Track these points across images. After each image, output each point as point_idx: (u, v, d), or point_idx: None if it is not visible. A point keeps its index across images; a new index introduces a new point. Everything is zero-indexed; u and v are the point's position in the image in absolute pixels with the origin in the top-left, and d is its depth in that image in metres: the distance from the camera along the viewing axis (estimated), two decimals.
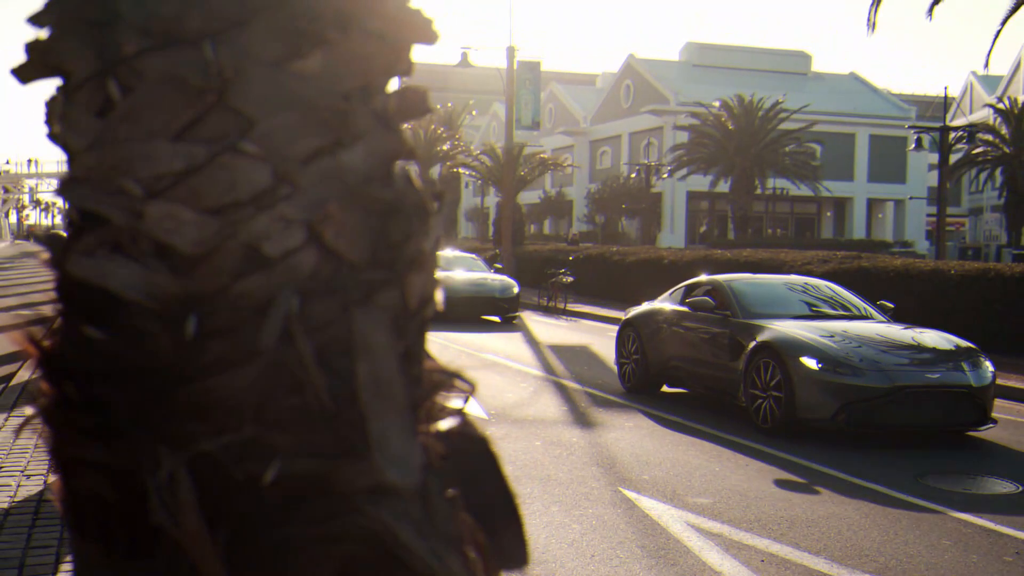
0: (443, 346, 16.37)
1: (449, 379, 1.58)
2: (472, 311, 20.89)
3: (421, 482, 1.44)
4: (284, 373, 1.34)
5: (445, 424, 1.53)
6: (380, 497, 1.37)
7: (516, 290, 21.72)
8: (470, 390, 1.59)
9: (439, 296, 1.55)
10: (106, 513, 1.40)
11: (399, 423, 1.38)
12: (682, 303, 11.54)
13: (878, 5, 18.05)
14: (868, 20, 18.11)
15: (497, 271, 23.78)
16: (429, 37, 1.59)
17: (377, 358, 1.38)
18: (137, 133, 1.33)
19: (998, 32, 18.33)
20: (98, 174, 1.33)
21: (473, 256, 25.25)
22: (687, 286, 11.93)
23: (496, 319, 21.59)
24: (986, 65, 18.97)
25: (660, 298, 12.31)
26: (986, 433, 9.52)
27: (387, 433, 1.36)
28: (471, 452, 1.55)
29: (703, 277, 12.03)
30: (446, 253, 24.75)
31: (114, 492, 1.36)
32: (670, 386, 11.65)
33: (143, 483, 1.33)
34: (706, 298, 10.98)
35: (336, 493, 1.36)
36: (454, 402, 1.57)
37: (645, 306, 12.37)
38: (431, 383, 1.53)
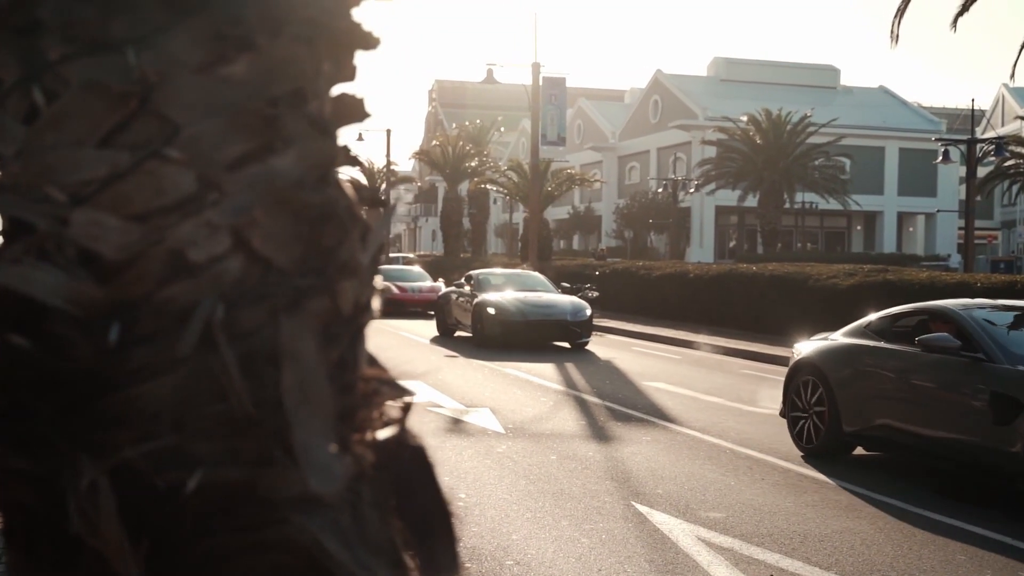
0: (467, 363, 16.34)
1: (387, 388, 1.57)
2: (539, 337, 18.49)
3: (353, 491, 1.43)
4: (208, 380, 1.33)
5: (381, 433, 1.52)
6: (307, 506, 1.36)
7: (589, 312, 18.98)
8: (409, 399, 1.58)
9: (376, 304, 1.54)
10: (31, 522, 1.39)
11: (324, 431, 1.36)
12: (894, 339, 8.61)
13: (900, 17, 17.98)
14: (891, 32, 18.05)
15: (564, 290, 21.51)
16: (369, 44, 1.58)
17: (303, 365, 1.37)
18: (63, 140, 1.33)
19: None
20: (25, 181, 1.33)
21: (536, 273, 22.99)
22: (892, 316, 9.03)
23: (566, 345, 18.90)
24: (1012, 76, 18.85)
25: (848, 329, 9.31)
26: None
27: (311, 441, 1.34)
28: (407, 461, 1.53)
29: (920, 304, 9.20)
30: (504, 271, 23.61)
31: (38, 501, 1.36)
32: (871, 450, 8.76)
33: (65, 492, 1.32)
34: (944, 335, 7.83)
35: (262, 502, 1.35)
36: (392, 411, 1.56)
37: (828, 340, 9.37)
38: (366, 391, 1.51)
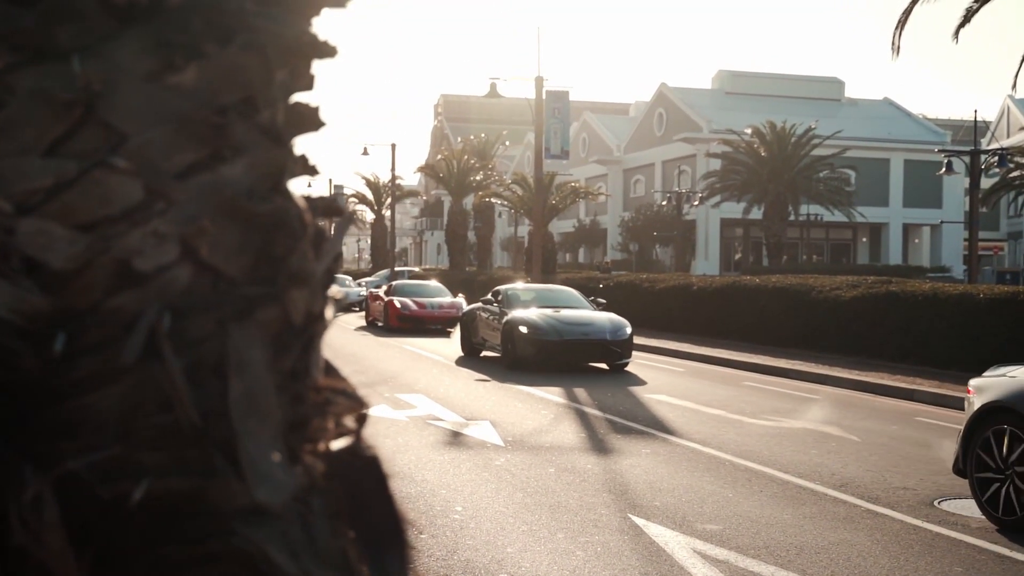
0: (467, 376, 16.33)
1: (342, 398, 1.56)
2: (576, 358, 17.05)
3: (303, 502, 1.41)
4: (154, 390, 1.32)
5: (335, 443, 1.51)
6: (254, 518, 1.35)
7: (629, 330, 17.34)
8: (364, 409, 1.57)
9: (330, 313, 1.53)
10: None
11: (273, 442, 1.35)
12: None
13: (901, 29, 17.98)
14: (892, 44, 18.04)
15: (599, 306, 19.26)
16: (326, 53, 1.58)
17: (252, 375, 1.36)
18: (8, 149, 1.32)
19: None
20: None
21: (568, 288, 21.18)
22: None
23: (603, 366, 17.37)
24: (1013, 87, 18.82)
25: None
26: None
27: (259, 452, 1.33)
28: (360, 472, 1.52)
29: None
30: (534, 286, 22.31)
31: None
32: None
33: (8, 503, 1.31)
34: None
35: (209, 513, 1.33)
36: (347, 421, 1.55)
37: (1019, 377, 7.22)
38: (320, 401, 1.50)
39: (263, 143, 1.40)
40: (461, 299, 27.82)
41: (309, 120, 1.52)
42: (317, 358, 1.46)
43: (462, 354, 19.75)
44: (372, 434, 1.42)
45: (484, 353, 19.35)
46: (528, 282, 32.81)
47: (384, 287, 29.91)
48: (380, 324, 27.81)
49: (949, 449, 7.98)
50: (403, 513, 1.46)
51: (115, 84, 1.29)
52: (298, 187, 1.43)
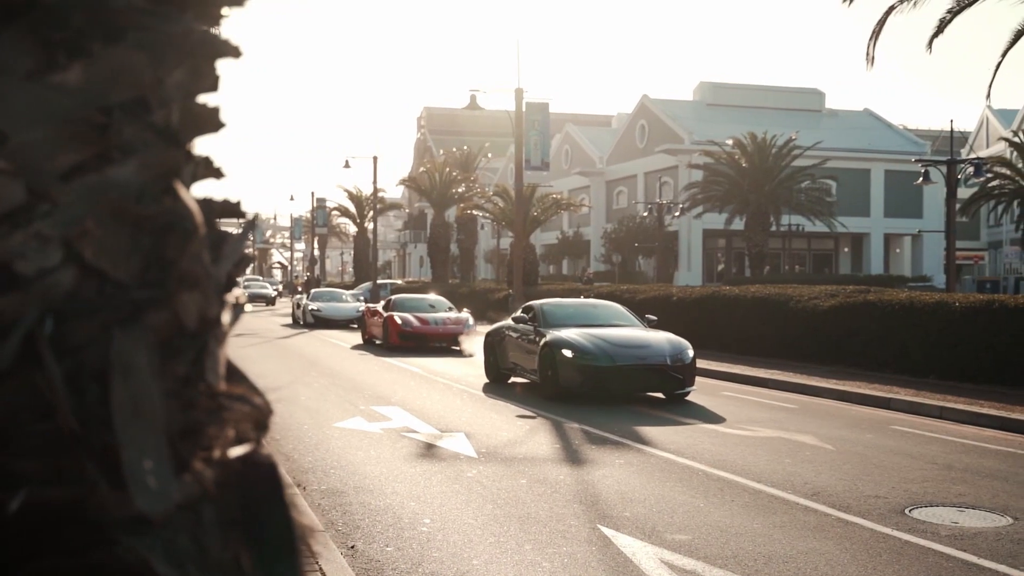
0: (446, 386, 16.25)
1: (241, 404, 1.52)
2: (630, 386, 14.39)
3: (193, 511, 1.38)
4: (33, 396, 1.28)
5: (233, 451, 1.47)
6: (137, 527, 1.31)
7: (691, 353, 14.69)
8: (266, 415, 1.53)
9: (227, 318, 1.49)
10: None
11: (157, 449, 1.32)
12: None
13: (876, 40, 18.04)
14: (867, 55, 18.11)
15: (650, 323, 16.48)
16: (230, 52, 1.55)
17: (136, 381, 1.32)
18: None
19: (998, 64, 18.29)
20: None
21: (613, 304, 18.01)
22: None
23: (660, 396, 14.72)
24: (988, 97, 18.93)
25: None
26: (986, 466, 9.36)
27: (141, 460, 1.30)
28: (257, 479, 1.49)
29: None
30: (573, 301, 18.86)
31: None
32: None
33: None
34: None
35: (90, 523, 1.30)
36: (246, 427, 1.51)
37: None
38: (214, 407, 1.47)
39: (156, 143, 1.37)
40: (467, 314, 26.02)
41: (208, 121, 1.49)
42: (215, 363, 1.42)
43: (487, 380, 17.08)
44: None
45: (513, 379, 16.78)
46: (511, 293, 32.79)
47: (382, 302, 27.76)
48: (379, 342, 25.63)
49: (923, 457, 7.97)
50: (298, 521, 1.43)
51: None
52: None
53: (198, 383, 1.39)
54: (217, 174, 1.57)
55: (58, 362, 1.26)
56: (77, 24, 1.31)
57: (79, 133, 1.30)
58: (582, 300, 19.16)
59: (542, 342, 14.92)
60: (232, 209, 1.55)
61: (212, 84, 1.46)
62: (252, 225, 1.66)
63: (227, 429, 1.42)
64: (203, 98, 1.46)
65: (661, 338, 14.99)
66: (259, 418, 1.46)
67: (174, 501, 1.27)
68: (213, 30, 1.50)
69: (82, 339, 1.27)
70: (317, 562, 5.67)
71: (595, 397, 14.06)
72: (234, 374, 1.48)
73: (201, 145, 1.49)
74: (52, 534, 1.25)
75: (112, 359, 1.26)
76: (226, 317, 1.43)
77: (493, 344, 17.16)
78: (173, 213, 1.36)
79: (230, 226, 1.63)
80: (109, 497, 1.24)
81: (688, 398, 14.48)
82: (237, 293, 1.50)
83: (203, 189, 1.57)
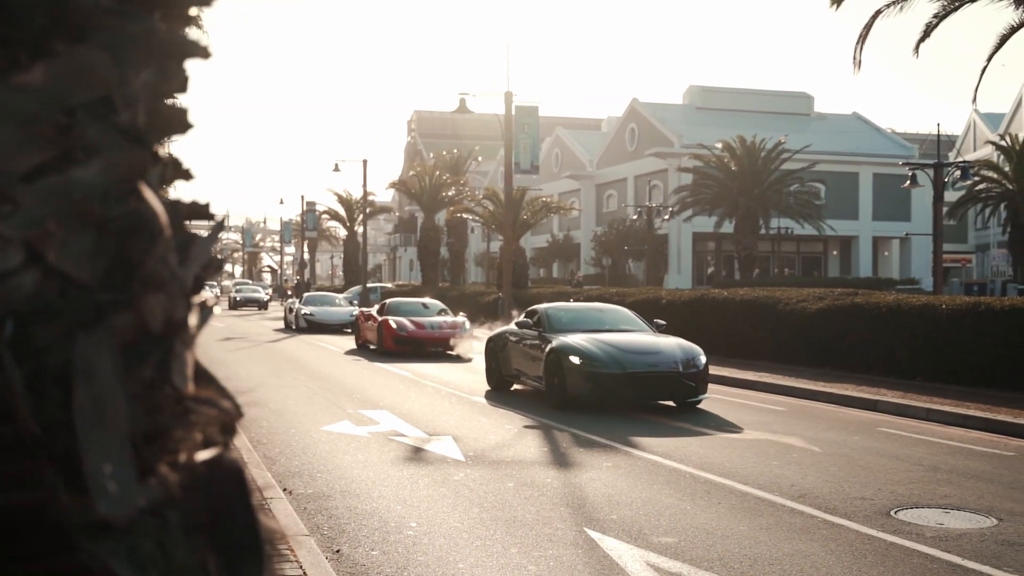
0: (435, 390, 16.22)
1: (208, 408, 1.52)
2: (641, 394, 13.89)
3: (158, 515, 1.37)
4: None
5: (199, 454, 1.46)
6: (99, 532, 1.30)
7: (704, 359, 14.25)
8: (233, 418, 1.53)
9: (194, 320, 1.49)
10: None
11: (120, 453, 1.31)
12: None
13: (862, 44, 18.10)
14: (854, 58, 18.17)
15: (660, 328, 16.07)
16: (198, 53, 1.54)
17: (99, 384, 1.32)
18: None
19: (984, 68, 18.38)
20: None
21: (621, 308, 17.42)
22: None
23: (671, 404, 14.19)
24: (974, 100, 19.01)
25: None
26: (972, 468, 9.38)
27: (103, 464, 1.29)
28: (223, 483, 1.48)
29: None
30: (579, 305, 17.92)
31: None
32: None
33: None
34: None
35: (52, 528, 1.29)
36: (213, 431, 1.50)
37: None
38: (180, 411, 1.46)
39: (121, 144, 1.36)
40: (463, 317, 25.71)
41: (177, 122, 1.49)
42: (181, 366, 1.41)
43: (488, 387, 16.49)
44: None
45: (516, 387, 16.31)
46: (500, 297, 32.76)
47: (376, 306, 27.47)
48: (373, 347, 25.24)
49: (909, 459, 7.98)
50: (265, 525, 1.42)
51: None
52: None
53: (164, 386, 1.38)
54: (187, 176, 1.57)
55: (19, 365, 1.25)
56: (40, 23, 1.31)
57: (42, 133, 1.29)
58: (589, 304, 18.48)
59: (548, 348, 14.39)
60: (201, 211, 1.54)
61: (181, 85, 1.46)
62: (220, 227, 1.66)
63: (194, 433, 1.41)
64: (174, 99, 1.46)
65: (672, 344, 14.46)
66: (226, 421, 1.46)
67: (138, 506, 1.26)
68: (184, 31, 1.50)
69: (44, 342, 1.26)
70: (301, 566, 5.66)
71: (603, 406, 13.69)
72: (203, 377, 1.48)
73: (192, 148, 1.47)
74: (13, 539, 1.24)
75: (75, 362, 1.25)
76: (193, 320, 1.42)
77: (495, 350, 16.59)
78: (138, 215, 1.36)
79: (201, 228, 1.63)
80: (70, 502, 1.23)
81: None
82: (206, 295, 1.50)
83: (187, 192, 1.56)
